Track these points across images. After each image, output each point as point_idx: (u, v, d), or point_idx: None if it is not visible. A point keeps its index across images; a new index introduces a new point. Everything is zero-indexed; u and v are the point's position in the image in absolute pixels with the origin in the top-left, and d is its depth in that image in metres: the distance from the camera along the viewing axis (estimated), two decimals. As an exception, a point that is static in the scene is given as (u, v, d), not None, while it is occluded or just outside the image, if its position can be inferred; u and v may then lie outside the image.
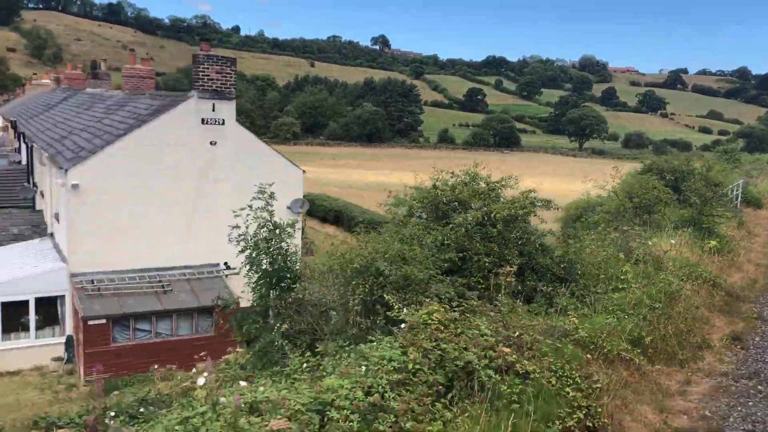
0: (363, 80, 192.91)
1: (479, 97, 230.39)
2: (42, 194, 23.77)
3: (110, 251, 18.17)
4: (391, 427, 5.50)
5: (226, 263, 19.62)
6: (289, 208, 20.34)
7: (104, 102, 27.06)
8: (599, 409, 6.59)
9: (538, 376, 6.59)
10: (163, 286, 18.16)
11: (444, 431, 5.70)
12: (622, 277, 10.94)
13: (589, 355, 7.79)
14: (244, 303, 18.04)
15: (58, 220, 19.60)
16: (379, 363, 6.40)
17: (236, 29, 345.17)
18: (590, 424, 6.39)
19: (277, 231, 10.57)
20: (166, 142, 18.55)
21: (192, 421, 5.83)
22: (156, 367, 13.82)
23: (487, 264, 10.31)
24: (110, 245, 18.18)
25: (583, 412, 6.40)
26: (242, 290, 11.71)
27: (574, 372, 6.89)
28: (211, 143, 19.08)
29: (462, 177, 12.25)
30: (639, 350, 8.52)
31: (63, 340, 18.11)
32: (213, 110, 18.94)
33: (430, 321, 7.26)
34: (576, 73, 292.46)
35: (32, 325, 17.79)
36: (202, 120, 18.87)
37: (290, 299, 10.31)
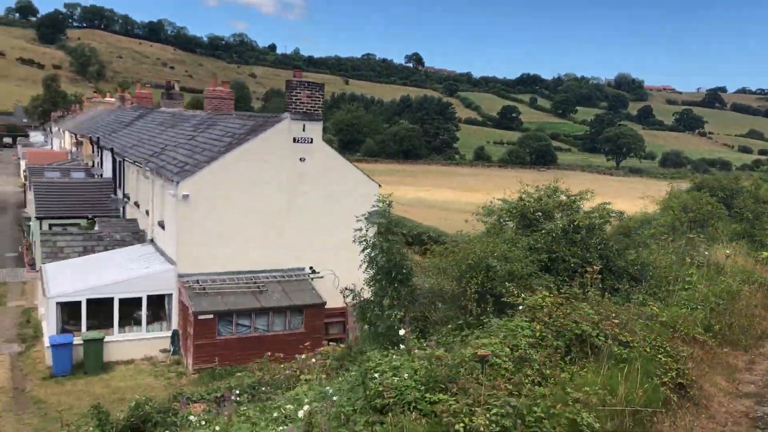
0: (398, 98, 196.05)
1: (513, 114, 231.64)
2: (137, 204, 26.21)
3: (212, 255, 20.39)
4: (535, 371, 7.37)
5: (311, 267, 21.72)
6: (366, 218, 22.32)
7: (188, 121, 29.58)
8: (686, 372, 8.36)
9: (636, 345, 8.39)
10: (258, 287, 20.29)
11: (572, 380, 7.53)
12: (687, 279, 12.64)
13: (670, 336, 9.53)
14: (331, 303, 20.11)
15: (162, 227, 21.90)
16: (514, 330, 8.28)
17: (272, 47, 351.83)
18: (681, 381, 8.17)
19: (393, 234, 12.54)
20: (263, 158, 20.77)
21: (380, 368, 7.74)
22: (270, 354, 15.86)
23: (572, 264, 12.15)
24: (212, 250, 20.40)
25: (674, 372, 8.17)
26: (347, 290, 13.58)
27: (664, 343, 8.68)
28: (300, 159, 21.25)
29: (544, 191, 14.13)
30: (710, 335, 10.23)
31: (169, 334, 20.31)
32: (303, 130, 21.13)
33: (544, 303, 9.13)
34: (611, 91, 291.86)
35: (144, 319, 20.05)
36: (294, 139, 21.07)
37: (404, 291, 12.25)
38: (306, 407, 6.70)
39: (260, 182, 20.89)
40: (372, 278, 12.72)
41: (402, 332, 7.40)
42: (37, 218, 28.42)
